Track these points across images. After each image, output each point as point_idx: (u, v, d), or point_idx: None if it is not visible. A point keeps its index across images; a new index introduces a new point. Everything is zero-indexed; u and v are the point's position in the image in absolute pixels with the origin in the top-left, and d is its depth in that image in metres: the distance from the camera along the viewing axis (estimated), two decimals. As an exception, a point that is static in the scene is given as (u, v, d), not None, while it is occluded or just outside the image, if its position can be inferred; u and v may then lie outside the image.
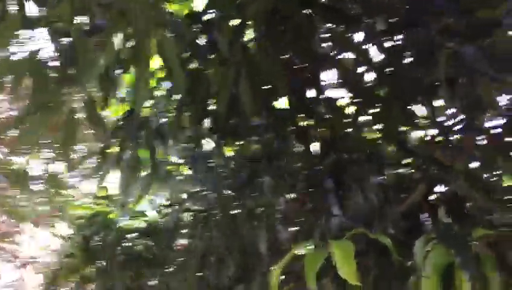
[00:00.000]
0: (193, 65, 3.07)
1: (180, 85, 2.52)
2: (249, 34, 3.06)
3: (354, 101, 3.14)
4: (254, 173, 3.14)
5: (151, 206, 4.81)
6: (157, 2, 2.35)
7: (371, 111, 3.09)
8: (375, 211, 2.63)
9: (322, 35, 3.22)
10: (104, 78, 2.48)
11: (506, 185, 2.59)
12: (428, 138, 2.72)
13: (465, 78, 2.31)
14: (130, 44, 2.49)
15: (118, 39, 2.39)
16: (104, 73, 2.47)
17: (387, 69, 2.83)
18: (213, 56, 3.03)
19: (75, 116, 2.63)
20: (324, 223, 2.74)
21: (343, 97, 3.18)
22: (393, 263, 2.47)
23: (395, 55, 2.80)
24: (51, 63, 2.51)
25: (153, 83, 3.21)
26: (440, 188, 2.63)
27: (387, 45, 2.86)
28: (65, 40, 2.39)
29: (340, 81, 3.22)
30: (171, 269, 4.38)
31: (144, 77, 2.43)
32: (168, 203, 4.70)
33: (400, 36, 2.76)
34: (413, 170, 2.80)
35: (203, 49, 3.00)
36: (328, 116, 3.19)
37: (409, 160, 2.80)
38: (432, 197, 2.67)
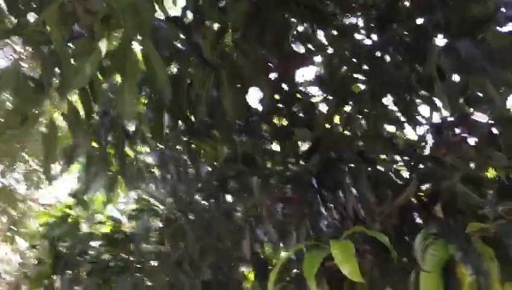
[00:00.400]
0: (173, 68, 3.01)
1: (166, 90, 2.43)
2: (228, 37, 3.03)
3: (334, 98, 3.14)
4: (239, 174, 3.07)
5: (119, 211, 4.70)
6: (144, 5, 2.25)
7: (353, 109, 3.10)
8: (369, 208, 2.61)
9: (300, 34, 3.22)
10: (90, 86, 2.38)
11: (497, 178, 2.60)
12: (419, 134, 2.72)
13: (459, 73, 2.30)
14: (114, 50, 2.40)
15: (103, 46, 2.29)
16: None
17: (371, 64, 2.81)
18: (192, 59, 2.98)
19: (56, 127, 2.51)
20: (318, 223, 2.71)
21: (326, 96, 3.17)
22: (392, 259, 2.46)
23: (382, 50, 2.80)
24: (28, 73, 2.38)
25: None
26: (432, 184, 2.62)
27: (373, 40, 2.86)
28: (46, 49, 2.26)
29: (320, 78, 3.22)
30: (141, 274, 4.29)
31: (130, 83, 2.33)
32: (137, 206, 4.62)
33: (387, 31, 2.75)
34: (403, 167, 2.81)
35: (183, 52, 2.94)
36: (308, 114, 3.18)
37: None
38: (425, 193, 2.66)
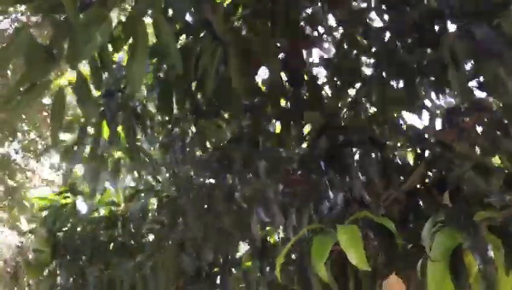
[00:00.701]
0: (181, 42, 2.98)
1: (177, 62, 2.40)
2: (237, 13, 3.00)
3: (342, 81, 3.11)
4: (245, 154, 3.04)
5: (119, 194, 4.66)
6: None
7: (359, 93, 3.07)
8: (374, 193, 2.58)
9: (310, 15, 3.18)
10: (100, 56, 2.34)
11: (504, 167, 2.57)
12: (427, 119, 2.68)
13: (473, 57, 2.27)
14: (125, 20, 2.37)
15: (114, 15, 2.26)
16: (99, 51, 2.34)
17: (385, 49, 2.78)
18: (201, 34, 2.95)
19: (64, 95, 2.47)
20: (324, 207, 2.69)
21: (333, 78, 3.13)
22: (397, 246, 2.44)
23: (393, 33, 2.76)
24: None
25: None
26: (440, 171, 2.59)
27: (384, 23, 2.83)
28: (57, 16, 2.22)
29: (328, 61, 3.19)
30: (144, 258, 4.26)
31: (140, 55, 2.29)
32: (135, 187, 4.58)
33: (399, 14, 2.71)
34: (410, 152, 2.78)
35: (192, 26, 2.91)
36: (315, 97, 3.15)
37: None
38: (432, 179, 2.63)
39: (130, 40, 2.34)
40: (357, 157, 2.75)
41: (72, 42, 2.21)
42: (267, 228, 3.84)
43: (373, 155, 2.65)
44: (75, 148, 3.55)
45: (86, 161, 3.59)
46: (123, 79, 3.33)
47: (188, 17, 2.89)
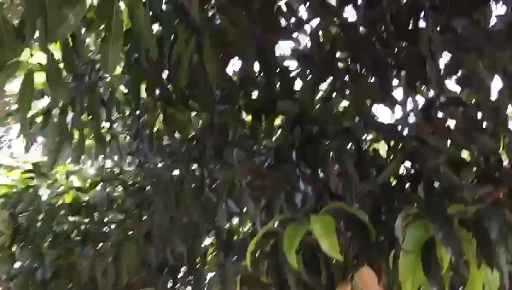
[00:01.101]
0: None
1: (152, 48, 2.35)
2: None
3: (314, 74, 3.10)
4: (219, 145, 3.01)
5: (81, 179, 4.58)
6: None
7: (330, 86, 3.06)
8: (349, 185, 2.58)
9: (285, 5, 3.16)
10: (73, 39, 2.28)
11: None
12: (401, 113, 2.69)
13: (453, 52, 2.28)
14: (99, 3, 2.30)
15: (88, -3, 2.19)
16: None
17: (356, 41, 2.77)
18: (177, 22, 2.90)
19: (33, 77, 2.40)
20: (296, 197, 2.67)
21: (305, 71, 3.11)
22: (370, 237, 2.44)
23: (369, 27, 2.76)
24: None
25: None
26: (414, 164, 2.60)
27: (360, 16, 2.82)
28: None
29: (300, 53, 3.17)
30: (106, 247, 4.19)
31: (115, 39, 2.23)
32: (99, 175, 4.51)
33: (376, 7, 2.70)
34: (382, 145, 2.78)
35: (168, 14, 2.86)
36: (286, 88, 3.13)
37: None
38: (406, 172, 2.65)
39: (104, 23, 2.28)
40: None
41: (45, 22, 2.13)
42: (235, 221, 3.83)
43: (347, 147, 2.64)
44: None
45: (49, 136, 3.43)
46: (92, 62, 3.27)
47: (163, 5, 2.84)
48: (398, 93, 2.82)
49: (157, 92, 3.25)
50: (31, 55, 2.45)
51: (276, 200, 2.77)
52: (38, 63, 2.52)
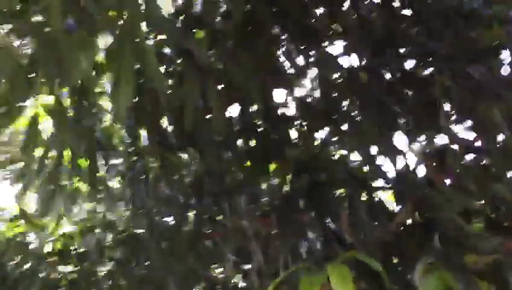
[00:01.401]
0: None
1: (162, 89, 2.30)
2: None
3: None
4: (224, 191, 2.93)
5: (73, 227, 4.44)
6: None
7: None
8: (362, 233, 2.52)
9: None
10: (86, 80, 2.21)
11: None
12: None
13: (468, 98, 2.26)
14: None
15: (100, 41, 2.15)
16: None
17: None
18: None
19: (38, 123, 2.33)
20: (302, 247, 2.61)
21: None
22: (384, 286, 2.38)
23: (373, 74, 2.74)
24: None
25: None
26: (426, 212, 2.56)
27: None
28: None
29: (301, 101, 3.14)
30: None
31: (125, 83, 2.18)
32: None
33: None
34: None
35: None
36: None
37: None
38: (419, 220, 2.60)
39: (115, 68, 2.22)
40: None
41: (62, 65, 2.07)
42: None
43: (358, 194, 2.59)
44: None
45: (43, 184, 3.34)
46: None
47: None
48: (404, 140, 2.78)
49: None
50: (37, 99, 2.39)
51: (284, 249, 2.70)
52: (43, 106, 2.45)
